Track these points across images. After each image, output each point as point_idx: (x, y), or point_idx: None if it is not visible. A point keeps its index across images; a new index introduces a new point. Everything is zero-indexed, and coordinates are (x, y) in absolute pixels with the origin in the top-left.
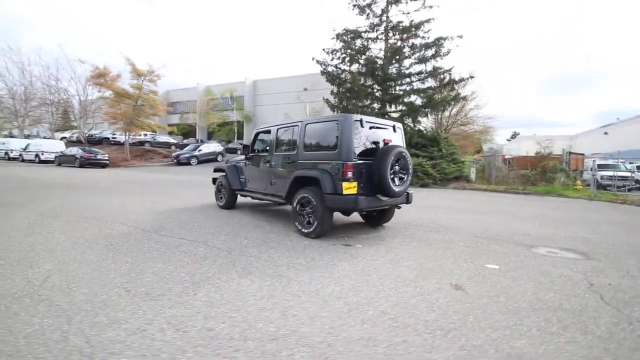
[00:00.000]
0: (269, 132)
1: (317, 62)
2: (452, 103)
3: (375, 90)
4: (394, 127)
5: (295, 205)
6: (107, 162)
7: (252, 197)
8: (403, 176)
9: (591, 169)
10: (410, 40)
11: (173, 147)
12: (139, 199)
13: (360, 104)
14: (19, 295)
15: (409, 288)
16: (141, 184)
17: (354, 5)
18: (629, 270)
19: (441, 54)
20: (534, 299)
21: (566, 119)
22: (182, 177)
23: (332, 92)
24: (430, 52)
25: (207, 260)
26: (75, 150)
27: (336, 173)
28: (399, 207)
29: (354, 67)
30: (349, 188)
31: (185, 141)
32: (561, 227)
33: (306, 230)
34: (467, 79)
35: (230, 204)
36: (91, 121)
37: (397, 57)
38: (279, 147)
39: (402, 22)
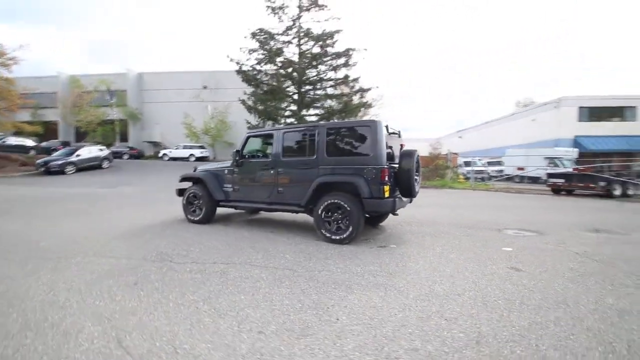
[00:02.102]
0: (269, 135)
1: (231, 60)
2: (363, 109)
3: (292, 93)
4: (399, 133)
5: (320, 212)
6: None
7: (239, 208)
8: (417, 177)
9: (470, 165)
10: (324, 49)
11: (32, 152)
12: (64, 222)
13: (278, 106)
14: None
15: (477, 273)
16: (23, 203)
17: (267, 6)
18: (581, 240)
19: (350, 63)
20: (566, 268)
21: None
22: (74, 190)
23: (245, 93)
24: (341, 61)
25: (285, 282)
26: None
27: (373, 177)
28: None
29: (270, 68)
30: (387, 191)
31: (44, 144)
32: (485, 212)
33: (337, 237)
34: (374, 87)
35: (208, 218)
36: None
37: (315, 62)
38: (288, 152)
39: (311, 29)
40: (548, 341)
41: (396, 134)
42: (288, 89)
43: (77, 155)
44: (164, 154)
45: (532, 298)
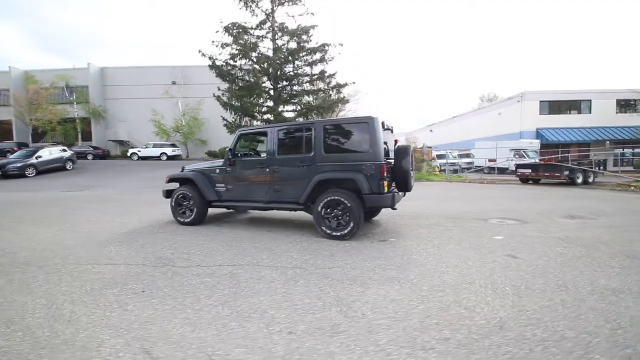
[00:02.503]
0: (263, 133)
1: (203, 54)
2: (340, 105)
3: (268, 89)
4: (391, 129)
5: (320, 209)
6: None
7: (233, 208)
8: (412, 172)
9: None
10: (301, 44)
11: None
12: (37, 229)
13: (255, 102)
14: None
15: (478, 262)
16: None
17: (239, 0)
18: (560, 226)
19: (326, 58)
20: (556, 253)
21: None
22: (40, 194)
23: (220, 89)
24: (317, 56)
25: (299, 280)
26: None
27: (372, 173)
28: None
29: (245, 63)
30: (386, 187)
31: None
32: (467, 203)
33: (338, 233)
34: (351, 83)
35: (200, 219)
36: None
37: (291, 58)
38: (284, 150)
39: (285, 23)
40: (562, 322)
41: (389, 129)
42: (264, 85)
43: (38, 157)
44: (133, 153)
45: (535, 283)
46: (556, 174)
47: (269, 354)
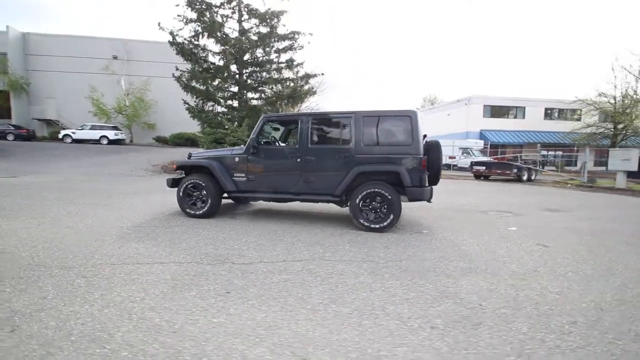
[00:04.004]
0: (293, 121)
1: (162, 29)
2: (309, 95)
3: (235, 73)
4: None
5: (357, 201)
6: None
7: (252, 199)
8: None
9: None
10: (271, 29)
11: None
12: (13, 224)
13: (220, 86)
14: None
15: (522, 251)
16: None
17: None
18: (551, 218)
19: (295, 47)
20: (575, 241)
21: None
22: None
23: (178, 69)
24: (286, 44)
25: (383, 274)
26: None
27: (414, 167)
28: None
29: (211, 42)
30: (426, 180)
31: None
32: (452, 197)
33: (377, 225)
34: (319, 74)
35: (214, 211)
36: None
37: (260, 43)
38: (318, 140)
39: (251, 5)
40: None
41: None
42: (232, 69)
43: None
44: (66, 135)
45: (586, 269)
46: (507, 172)
47: (435, 351)
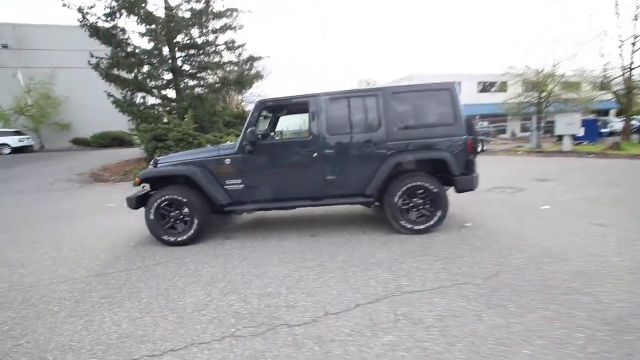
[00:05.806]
0: (301, 104)
1: (67, 6)
2: (256, 80)
3: (168, 58)
4: None
5: (396, 200)
6: None
7: (254, 211)
8: None
9: None
10: (205, 5)
11: None
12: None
13: (153, 74)
14: None
15: (586, 234)
16: None
17: None
18: (556, 189)
19: (234, 26)
20: (611, 216)
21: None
22: None
23: (93, 55)
24: (223, 22)
25: (490, 299)
26: None
27: (460, 150)
28: None
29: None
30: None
31: None
32: None
33: (422, 226)
34: (265, 57)
35: (200, 234)
36: None
37: (193, 21)
38: (339, 127)
39: None
40: None
41: None
42: (165, 52)
43: None
44: None
45: None
46: None
47: None
